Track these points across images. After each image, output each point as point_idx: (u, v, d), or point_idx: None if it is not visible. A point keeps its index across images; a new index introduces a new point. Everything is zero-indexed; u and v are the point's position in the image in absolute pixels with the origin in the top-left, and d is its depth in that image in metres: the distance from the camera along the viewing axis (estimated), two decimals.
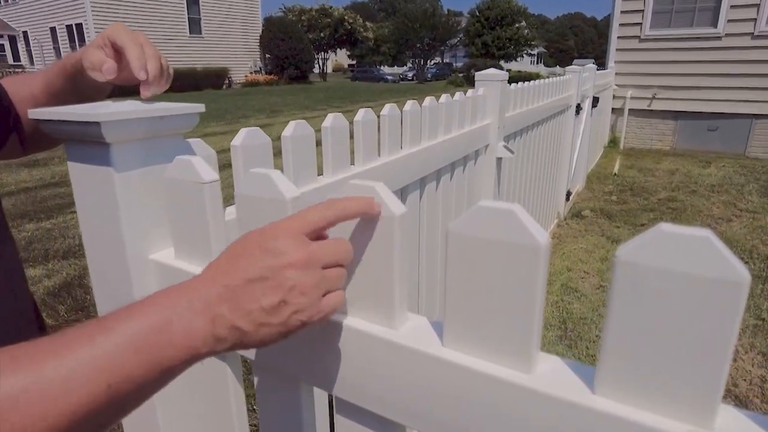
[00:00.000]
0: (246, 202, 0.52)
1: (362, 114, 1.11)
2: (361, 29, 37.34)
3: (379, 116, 1.20)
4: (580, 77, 3.76)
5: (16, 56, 25.07)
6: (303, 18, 34.91)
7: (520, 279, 0.37)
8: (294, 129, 0.89)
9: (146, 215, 0.61)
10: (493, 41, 39.64)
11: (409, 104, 1.35)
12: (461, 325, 0.41)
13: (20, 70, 20.48)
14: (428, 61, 37.12)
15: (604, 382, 0.35)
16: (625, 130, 7.18)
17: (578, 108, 3.84)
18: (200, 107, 0.66)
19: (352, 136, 1.11)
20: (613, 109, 7.25)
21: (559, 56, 70.22)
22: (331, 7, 36.37)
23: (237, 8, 26.22)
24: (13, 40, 25.10)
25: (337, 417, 0.53)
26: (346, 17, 35.98)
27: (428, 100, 1.45)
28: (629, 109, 7.12)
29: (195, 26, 24.52)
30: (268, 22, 27.74)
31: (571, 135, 3.83)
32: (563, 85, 3.39)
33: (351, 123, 1.09)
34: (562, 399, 0.36)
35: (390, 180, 1.20)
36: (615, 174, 5.57)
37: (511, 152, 2.03)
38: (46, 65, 22.76)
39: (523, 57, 44.84)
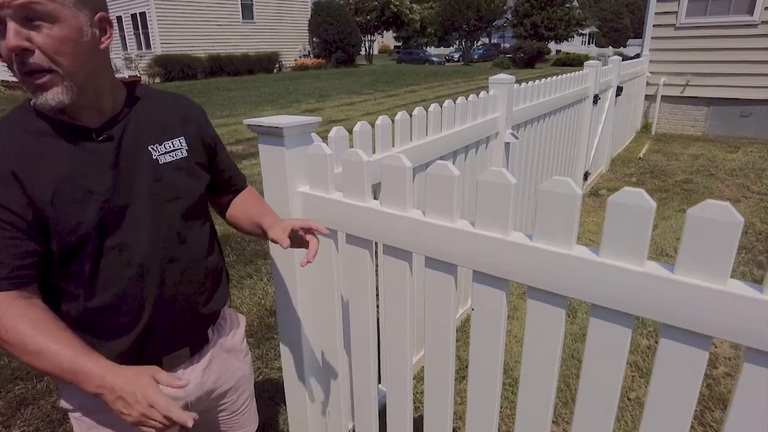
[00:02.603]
0: (346, 164, 1.20)
1: (400, 115, 1.77)
2: (407, 11, 37.46)
3: (411, 115, 1.85)
4: (598, 71, 4.24)
5: None
6: (350, 1, 35.41)
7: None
8: (360, 126, 1.56)
9: (296, 170, 1.31)
10: (542, 21, 38.87)
11: (433, 106, 1.99)
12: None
13: None
14: (475, 42, 36.90)
15: None
16: (657, 116, 7.48)
17: (596, 98, 4.32)
18: (317, 119, 1.33)
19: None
20: (646, 95, 7.54)
21: (612, 36, 67.49)
22: None
23: None
24: None
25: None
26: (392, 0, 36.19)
27: (447, 102, 2.09)
28: (662, 96, 7.40)
29: (247, 12, 25.53)
30: (317, 6, 28.44)
31: (588, 122, 4.33)
32: (579, 78, 3.91)
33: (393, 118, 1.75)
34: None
35: (417, 157, 1.86)
36: (640, 158, 5.98)
37: (516, 138, 2.64)
38: (112, 52, 24.40)
39: (573, 38, 43.70)
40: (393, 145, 1.78)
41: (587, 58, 28.71)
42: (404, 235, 1.13)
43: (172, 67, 21.65)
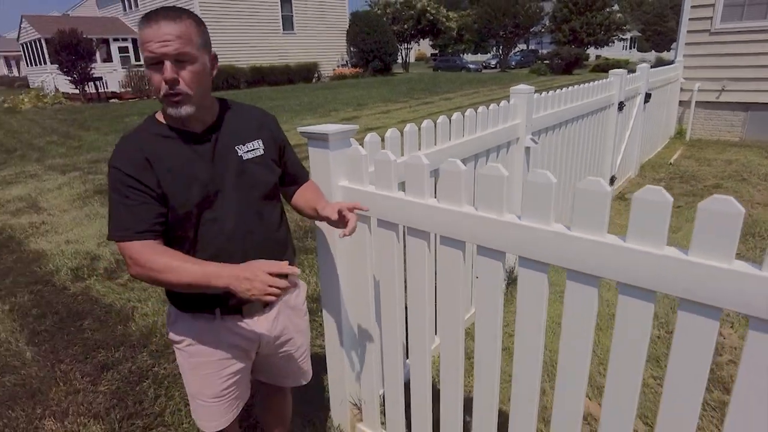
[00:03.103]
0: (377, 163, 1.50)
1: (425, 123, 2.07)
2: (444, 19, 37.69)
3: (435, 123, 2.15)
4: (623, 79, 4.41)
5: (137, 57, 28.47)
6: (388, 11, 35.96)
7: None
8: (390, 133, 1.86)
9: (338, 168, 1.62)
10: (582, 27, 38.34)
11: (455, 115, 2.28)
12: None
13: (142, 69, 23.35)
14: (512, 49, 36.79)
15: None
16: (691, 121, 7.48)
17: (621, 105, 4.49)
18: (355, 127, 1.64)
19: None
20: (680, 101, 7.56)
21: (656, 40, 65.57)
22: None
23: (326, 5, 27.79)
24: (135, 42, 28.52)
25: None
26: (428, 8, 36.51)
27: (469, 111, 2.37)
28: (696, 101, 7.40)
29: (288, 24, 26.42)
30: (355, 17, 29.10)
31: (614, 129, 4.50)
32: (602, 86, 4.10)
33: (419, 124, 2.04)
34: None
35: (440, 159, 2.14)
36: (670, 163, 6.05)
37: (536, 143, 2.89)
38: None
39: (613, 43, 42.87)
40: (419, 149, 2.08)
41: (627, 63, 28.23)
42: (421, 218, 1.42)
43: (217, 78, 22.44)
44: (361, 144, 1.70)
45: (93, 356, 2.67)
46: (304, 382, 1.61)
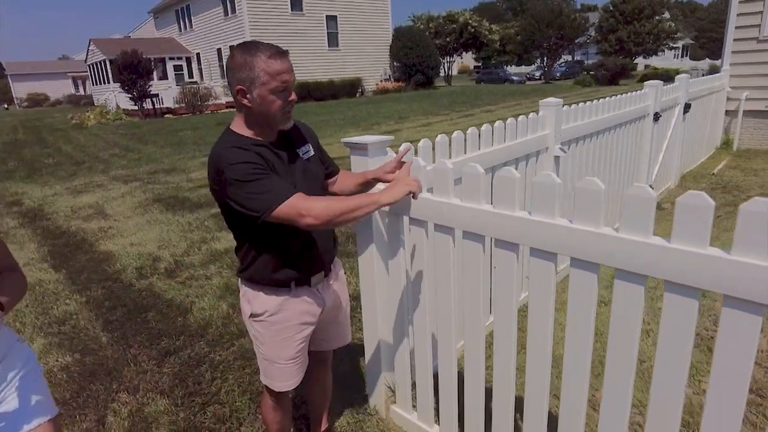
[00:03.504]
0: (412, 169, 1.72)
1: (455, 134, 2.27)
2: (486, 32, 37.76)
3: (465, 133, 2.35)
4: (658, 90, 4.46)
5: (190, 74, 30.00)
6: (430, 25, 36.40)
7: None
8: (423, 143, 2.08)
9: (375, 167, 1.85)
10: (629, 36, 37.53)
11: (485, 126, 2.47)
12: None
13: (194, 85, 24.60)
14: (556, 60, 36.37)
15: None
16: (739, 131, 7.31)
17: (657, 116, 4.53)
18: (391, 138, 1.87)
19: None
20: (726, 111, 7.41)
21: (711, 47, 63.06)
22: (457, 12, 37.34)
23: (370, 21, 28.47)
24: (188, 61, 30.09)
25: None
26: (470, 21, 36.69)
27: (498, 123, 2.56)
28: (745, 111, 7.24)
29: (333, 40, 27.24)
30: (398, 32, 29.63)
31: (649, 139, 4.55)
32: (636, 98, 4.18)
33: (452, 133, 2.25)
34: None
35: None
36: (713, 174, 5.96)
37: (565, 152, 3.03)
38: (213, 81, 27.04)
39: (664, 51, 41.65)
40: (450, 157, 2.28)
41: (677, 72, 27.35)
42: (448, 216, 1.63)
43: None
44: (396, 153, 1.93)
45: (157, 343, 3.00)
46: (346, 343, 1.91)
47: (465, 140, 2.37)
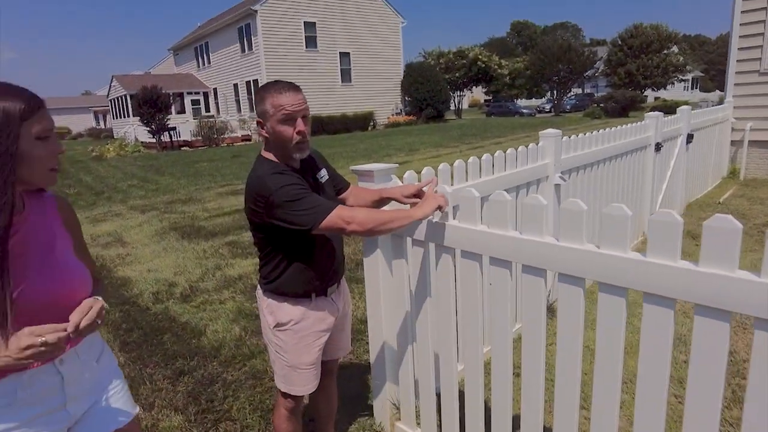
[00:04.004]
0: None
1: (457, 163, 2.42)
2: (496, 66, 38.48)
3: (467, 162, 2.49)
4: (658, 121, 4.60)
5: (207, 108, 30.92)
6: (441, 61, 37.24)
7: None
8: (426, 170, 2.22)
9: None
10: (638, 70, 38.01)
11: (485, 156, 2.62)
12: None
13: (211, 119, 25.33)
14: (566, 93, 36.84)
15: None
16: (745, 161, 7.39)
17: (658, 146, 4.66)
18: (395, 165, 2.02)
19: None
20: (732, 141, 7.51)
21: (720, 79, 63.30)
22: (467, 49, 38.20)
23: (382, 57, 29.28)
24: (206, 95, 31.07)
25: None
26: (480, 56, 37.47)
27: (498, 153, 2.71)
28: (750, 141, 7.33)
29: (346, 76, 28.02)
30: (409, 68, 30.38)
31: (651, 168, 4.66)
32: (636, 129, 4.32)
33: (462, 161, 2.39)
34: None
35: None
36: (719, 202, 6.02)
37: (564, 180, 3.16)
38: (229, 115, 27.84)
39: (674, 84, 42.01)
40: (452, 184, 2.42)
41: (686, 104, 27.56)
42: (447, 237, 1.75)
43: None
44: (401, 179, 2.07)
45: (172, 363, 3.11)
46: (348, 351, 2.07)
47: (466, 169, 2.51)
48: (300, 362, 1.75)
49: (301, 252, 1.67)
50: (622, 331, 1.33)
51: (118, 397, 1.35)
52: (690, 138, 5.45)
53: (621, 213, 1.26)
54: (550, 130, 3.14)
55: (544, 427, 1.66)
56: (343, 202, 1.89)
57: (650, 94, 40.72)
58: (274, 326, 1.74)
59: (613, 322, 1.34)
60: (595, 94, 43.73)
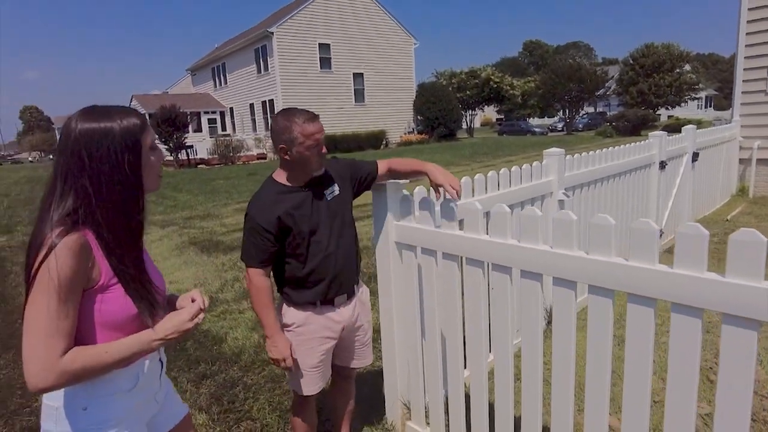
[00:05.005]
0: (421, 203, 2.05)
1: (464, 179, 2.61)
2: (508, 86, 38.79)
3: (473, 179, 2.68)
4: (662, 140, 4.75)
5: (224, 127, 31.59)
6: (453, 81, 37.66)
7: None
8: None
9: (393, 210, 2.18)
10: (650, 89, 38.07)
11: (491, 173, 2.80)
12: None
13: (227, 138, 25.88)
14: (578, 112, 36.99)
15: None
16: (753, 179, 7.46)
17: (663, 164, 4.80)
18: (406, 181, 2.21)
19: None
20: (741, 159, 7.60)
21: None
22: (479, 69, 38.61)
23: (395, 77, 29.78)
24: (222, 115, 31.77)
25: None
26: (492, 76, 37.84)
27: (503, 170, 2.89)
28: (758, 159, 7.42)
29: (359, 96, 28.52)
30: (421, 88, 30.83)
31: (656, 186, 4.79)
32: (640, 147, 4.47)
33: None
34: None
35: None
36: (727, 220, 6.11)
37: (568, 197, 3.32)
38: (245, 133, 28.41)
39: (687, 102, 41.94)
40: (459, 199, 2.60)
41: (700, 122, 27.55)
42: (452, 246, 1.93)
43: None
44: (412, 194, 2.26)
45: (194, 368, 3.29)
46: (367, 364, 2.17)
47: (472, 185, 2.69)
48: (302, 363, 1.91)
49: (300, 263, 1.83)
50: (651, 339, 1.38)
51: (172, 391, 1.49)
52: (696, 156, 5.57)
53: (648, 227, 1.35)
54: (554, 149, 3.32)
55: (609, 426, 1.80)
56: (353, 223, 2.02)
57: (663, 113, 40.69)
58: (282, 327, 1.91)
59: (642, 330, 1.39)
60: (608, 113, 43.81)
